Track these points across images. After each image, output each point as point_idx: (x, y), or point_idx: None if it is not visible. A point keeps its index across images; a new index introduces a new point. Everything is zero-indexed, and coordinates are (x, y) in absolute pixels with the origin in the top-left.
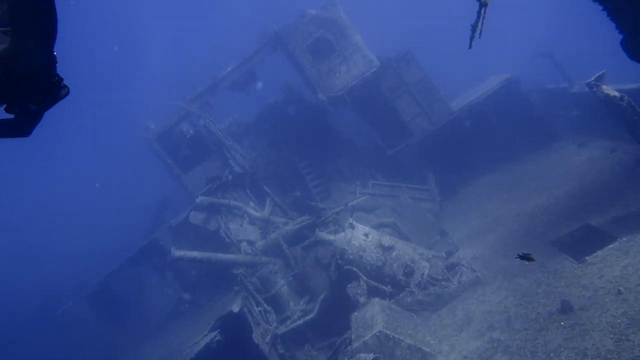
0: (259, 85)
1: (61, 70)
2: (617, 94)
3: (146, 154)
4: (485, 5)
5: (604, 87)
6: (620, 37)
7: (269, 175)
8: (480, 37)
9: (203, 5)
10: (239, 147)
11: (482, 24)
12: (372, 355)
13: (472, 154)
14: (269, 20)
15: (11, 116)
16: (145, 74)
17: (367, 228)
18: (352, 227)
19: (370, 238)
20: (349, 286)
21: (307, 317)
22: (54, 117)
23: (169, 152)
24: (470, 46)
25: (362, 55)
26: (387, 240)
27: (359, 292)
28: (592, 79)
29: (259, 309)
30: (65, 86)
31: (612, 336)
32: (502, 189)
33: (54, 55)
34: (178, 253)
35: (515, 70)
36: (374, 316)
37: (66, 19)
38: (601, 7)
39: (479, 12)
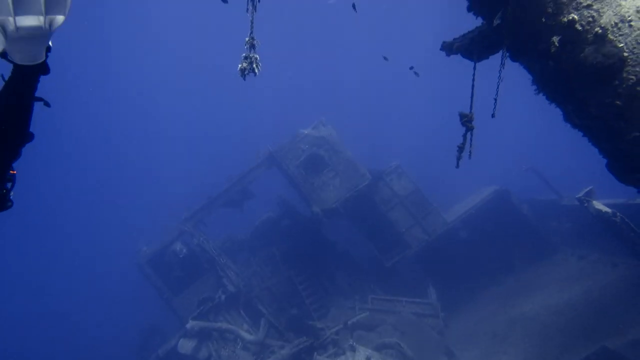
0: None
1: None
2: (609, 210)
3: (136, 277)
4: (471, 129)
5: (595, 202)
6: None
7: (264, 293)
8: (470, 158)
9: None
10: (232, 265)
11: (470, 146)
12: None
13: (470, 265)
14: (264, 139)
15: None
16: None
17: (369, 350)
18: (352, 349)
19: None
20: None
21: None
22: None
23: (160, 274)
24: (457, 165)
25: (353, 169)
26: None
27: None
28: (582, 194)
29: None
30: (10, 202)
31: None
32: (507, 304)
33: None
34: None
35: (506, 181)
36: None
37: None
38: (581, 134)
39: (464, 136)
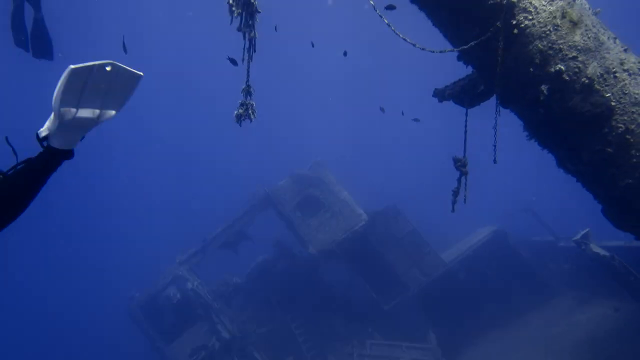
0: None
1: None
2: (606, 253)
3: (127, 325)
4: (465, 174)
5: (592, 245)
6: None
7: (260, 340)
8: (465, 202)
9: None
10: (227, 310)
11: (464, 190)
12: None
13: (470, 306)
14: (260, 180)
15: None
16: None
17: None
18: None
19: None
20: None
21: None
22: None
23: (152, 321)
24: (453, 210)
25: (350, 210)
26: None
27: None
28: (579, 236)
29: None
30: None
31: None
32: (508, 349)
33: None
34: None
35: (503, 221)
36: None
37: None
38: (575, 179)
39: (459, 180)
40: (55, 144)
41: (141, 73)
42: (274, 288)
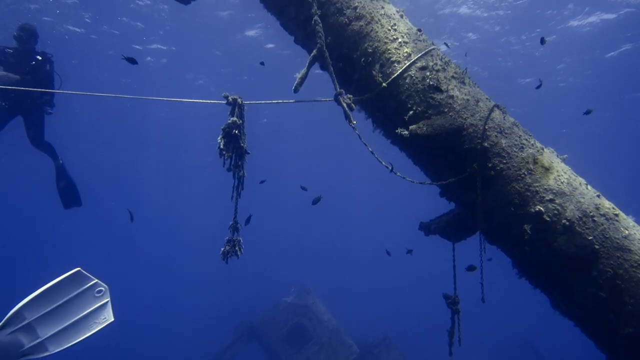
0: None
1: None
2: None
3: None
4: (458, 312)
5: None
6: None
7: None
8: (460, 344)
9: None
10: None
11: (459, 330)
12: None
13: None
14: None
15: None
16: None
17: None
18: None
19: None
20: None
21: None
22: None
23: None
24: (450, 353)
25: (340, 341)
26: None
27: None
28: None
29: None
30: None
31: None
32: None
33: None
34: None
35: (500, 355)
36: None
37: None
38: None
39: (452, 319)
40: None
41: (112, 319)
42: None
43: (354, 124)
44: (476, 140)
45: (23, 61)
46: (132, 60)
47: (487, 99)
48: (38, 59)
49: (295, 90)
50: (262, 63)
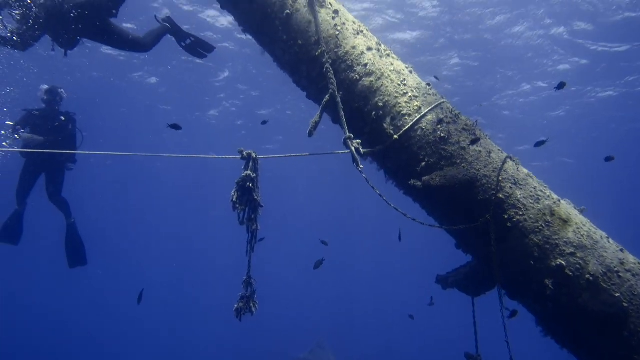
0: None
1: None
2: None
3: None
4: None
5: None
6: None
7: None
8: None
9: None
10: None
11: None
12: None
13: None
14: None
15: None
16: None
17: None
18: None
19: None
20: None
21: None
22: None
23: None
24: None
25: None
26: None
27: None
28: None
29: None
30: None
31: None
32: None
33: None
34: None
35: None
36: None
37: None
38: None
39: None
40: None
41: None
42: None
43: (361, 168)
44: (490, 191)
45: (48, 122)
46: (176, 127)
47: (499, 150)
48: (62, 119)
49: (310, 135)
50: (264, 122)
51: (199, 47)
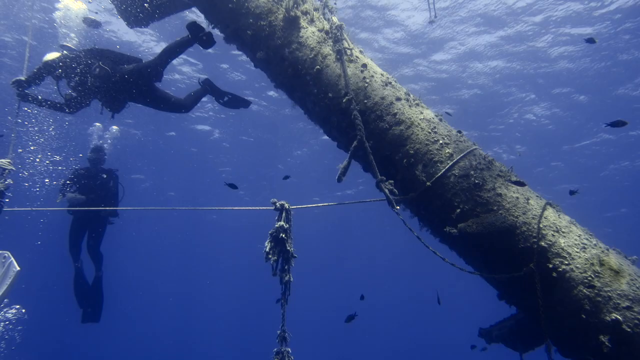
0: None
1: None
2: None
3: None
4: None
5: None
6: None
7: None
8: None
9: None
10: None
11: None
12: None
13: None
14: None
15: None
16: None
17: None
18: None
19: None
20: None
21: None
22: None
23: None
24: None
25: None
26: None
27: None
28: None
29: None
30: None
31: None
32: None
33: None
34: None
35: None
36: None
37: None
38: None
39: None
40: None
41: (18, 268)
42: None
43: (397, 209)
44: (532, 239)
45: (92, 180)
46: (233, 186)
47: (537, 196)
48: (103, 177)
49: (339, 180)
50: (286, 177)
51: (236, 103)
